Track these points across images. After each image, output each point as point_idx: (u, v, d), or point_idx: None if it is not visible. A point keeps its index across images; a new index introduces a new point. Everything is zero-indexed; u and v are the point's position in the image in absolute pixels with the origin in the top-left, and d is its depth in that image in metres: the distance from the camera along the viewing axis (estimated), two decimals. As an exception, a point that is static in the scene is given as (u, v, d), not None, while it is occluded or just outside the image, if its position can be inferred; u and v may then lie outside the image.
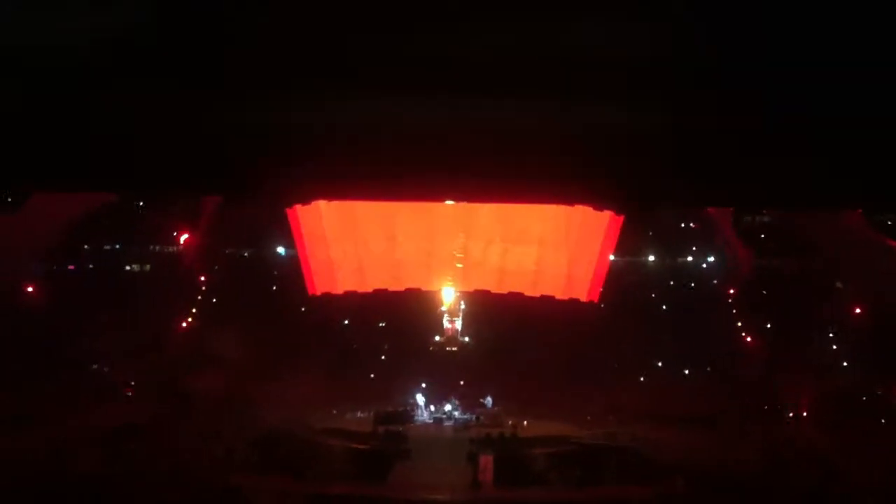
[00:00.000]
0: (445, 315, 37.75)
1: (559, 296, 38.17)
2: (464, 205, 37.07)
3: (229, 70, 5.87)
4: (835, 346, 34.96)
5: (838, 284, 36.65)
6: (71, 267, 39.75)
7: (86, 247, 39.47)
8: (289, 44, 5.84)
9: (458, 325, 37.72)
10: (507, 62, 5.65)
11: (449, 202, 35.61)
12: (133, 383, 35.06)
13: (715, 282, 38.40)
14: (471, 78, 5.92)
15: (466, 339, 37.80)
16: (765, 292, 37.36)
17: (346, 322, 40.74)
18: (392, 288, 38.99)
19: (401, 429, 31.76)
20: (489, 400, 35.43)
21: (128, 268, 41.18)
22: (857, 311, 34.34)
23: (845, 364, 35.19)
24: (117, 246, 40.87)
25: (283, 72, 5.97)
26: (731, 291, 37.56)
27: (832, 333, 35.31)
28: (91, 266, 40.09)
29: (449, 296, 37.86)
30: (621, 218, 36.80)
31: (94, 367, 36.14)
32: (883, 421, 32.17)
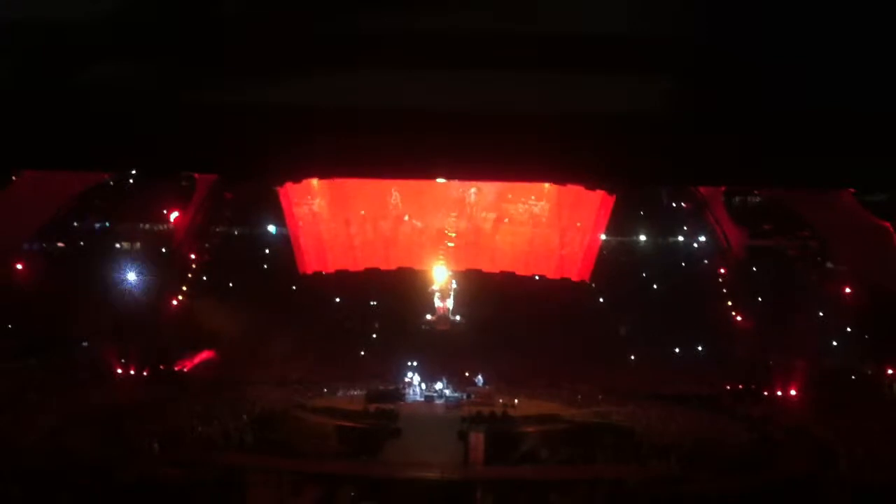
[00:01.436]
0: (437, 294, 37.79)
1: (550, 275, 38.31)
2: (456, 184, 37.11)
3: (219, 48, 5.80)
4: (825, 326, 34.95)
5: (829, 264, 36.73)
6: (61, 244, 39.55)
7: (76, 224, 39.18)
8: (278, 20, 5.77)
9: (450, 304, 37.79)
10: (499, 38, 5.58)
11: (440, 180, 35.66)
12: (124, 361, 34.85)
13: (706, 261, 38.38)
14: (462, 53, 5.85)
15: (458, 318, 37.87)
16: (756, 272, 37.38)
17: (338, 300, 40.71)
18: (383, 267, 39.04)
19: (392, 407, 31.78)
20: (480, 379, 35.48)
21: (118, 245, 40.96)
22: (848, 290, 34.38)
23: (835, 344, 35.26)
24: (107, 224, 40.64)
25: (273, 49, 5.89)
26: (723, 271, 37.56)
27: (823, 313, 35.31)
28: (81, 244, 39.86)
29: (440, 275, 37.87)
30: (613, 197, 36.87)
31: (84, 344, 35.95)
32: (873, 400, 32.24)
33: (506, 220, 37.96)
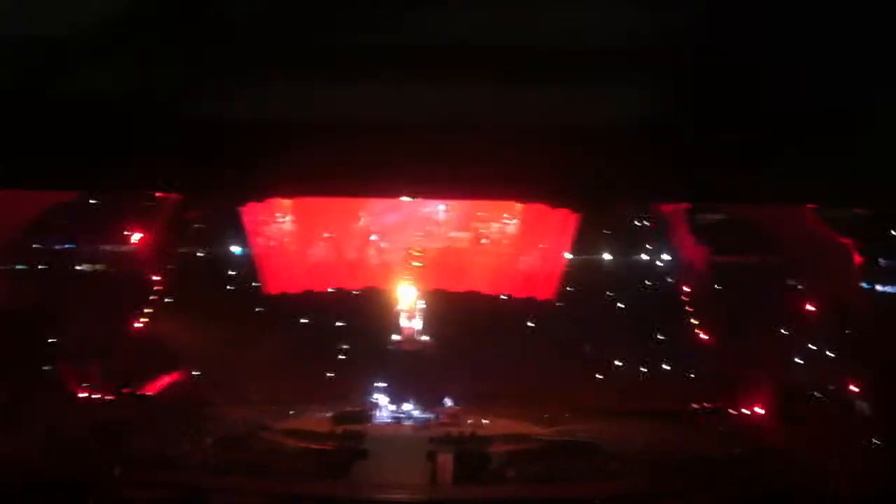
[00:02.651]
0: (404, 314, 37.76)
1: (517, 294, 38.48)
2: (422, 203, 37.22)
3: (183, 67, 5.75)
4: (788, 342, 35.21)
5: (791, 281, 37.05)
6: (21, 267, 38.89)
7: (37, 246, 38.57)
8: (245, 39, 5.72)
9: (417, 324, 37.78)
10: (464, 53, 5.58)
11: (405, 199, 35.74)
12: (87, 384, 34.35)
13: (670, 279, 38.65)
14: (428, 70, 5.84)
15: (425, 338, 37.84)
16: (719, 288, 37.65)
17: (304, 321, 40.41)
18: (350, 287, 38.98)
19: (359, 428, 31.63)
20: (448, 399, 35.34)
21: (80, 267, 40.41)
22: (810, 307, 34.71)
23: (798, 360, 35.54)
24: (69, 245, 40.06)
25: (236, 68, 5.85)
26: (686, 288, 37.83)
27: (785, 330, 35.59)
28: (42, 265, 39.24)
29: (407, 295, 37.86)
30: (577, 216, 37.14)
31: (46, 368, 35.35)
32: (836, 415, 32.51)
33: (472, 239, 38.15)
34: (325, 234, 38.12)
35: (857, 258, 30.89)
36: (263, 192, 33.35)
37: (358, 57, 5.63)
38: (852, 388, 33.40)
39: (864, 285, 32.21)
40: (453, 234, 38.12)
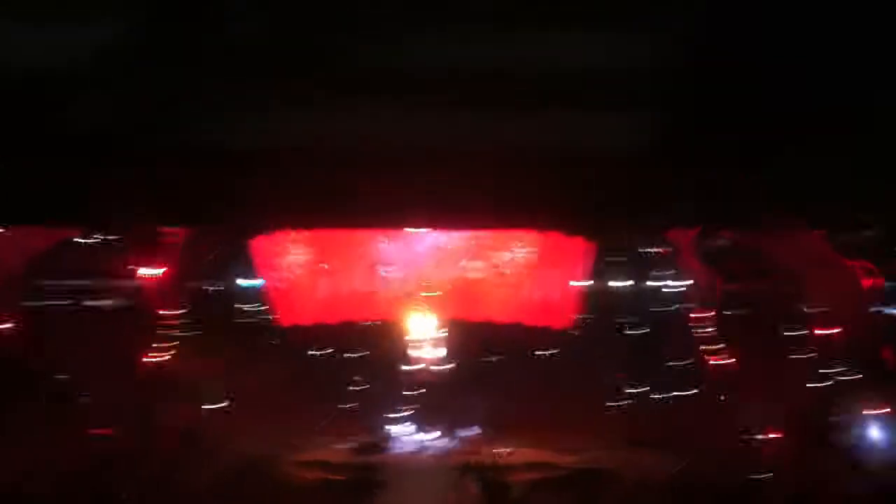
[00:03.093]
0: (418, 344, 37.70)
1: (532, 323, 38.54)
2: (435, 233, 37.40)
3: (188, 97, 5.82)
4: (803, 369, 35.33)
5: (802, 307, 37.23)
6: (28, 304, 38.65)
7: (44, 283, 38.40)
8: (253, 69, 5.80)
9: (435, 353, 37.71)
10: (476, 83, 5.67)
11: (416, 230, 35.93)
12: (96, 420, 34.04)
13: (685, 306, 38.71)
14: (436, 100, 5.92)
15: (442, 367, 37.78)
16: (734, 314, 37.78)
17: (318, 353, 40.26)
18: (362, 319, 38.94)
19: (378, 459, 31.48)
20: (468, 428, 35.18)
21: (88, 303, 40.24)
22: (823, 332, 34.86)
23: (811, 385, 35.63)
24: (77, 281, 39.89)
25: (244, 100, 5.92)
26: (701, 315, 37.93)
27: (800, 356, 35.74)
28: (50, 303, 39.03)
29: (422, 324, 37.83)
30: (591, 244, 37.35)
31: (56, 404, 35.05)
32: (850, 440, 32.58)
33: (487, 268, 38.25)
34: (337, 266, 38.12)
35: (866, 281, 31.14)
36: (272, 225, 33.45)
37: (365, 88, 5.72)
38: (868, 412, 33.57)
39: (873, 308, 32.50)
40: (466, 263, 38.23)
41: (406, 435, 34.49)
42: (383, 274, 38.56)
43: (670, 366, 37.15)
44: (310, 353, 39.48)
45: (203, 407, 35.28)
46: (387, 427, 35.16)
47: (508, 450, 32.47)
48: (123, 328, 36.84)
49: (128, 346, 36.46)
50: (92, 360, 34.53)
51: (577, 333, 38.76)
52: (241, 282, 40.55)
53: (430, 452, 33.47)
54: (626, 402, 37.39)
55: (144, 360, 36.83)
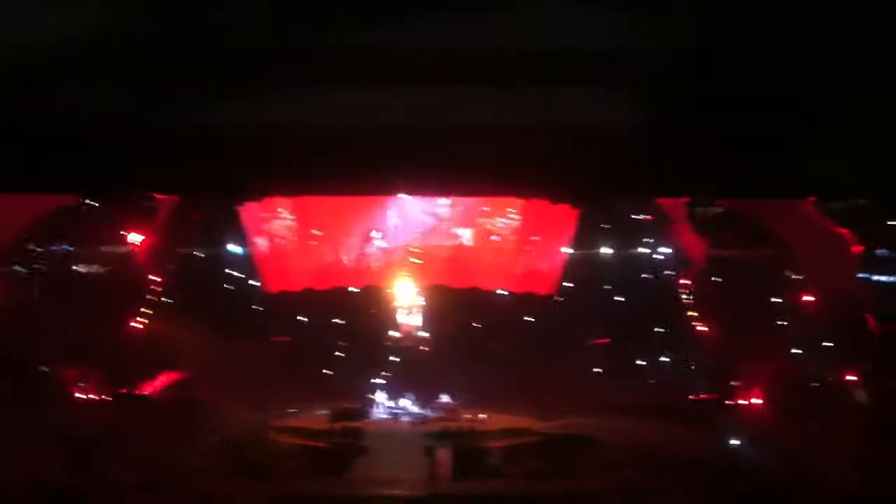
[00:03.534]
0: (403, 310, 37.75)
1: (516, 290, 38.52)
2: (420, 200, 37.32)
3: (178, 70, 5.78)
4: (787, 334, 35.19)
5: (790, 273, 37.01)
6: (19, 268, 38.84)
7: (34, 248, 38.57)
8: (242, 42, 5.75)
9: (416, 320, 37.78)
10: (463, 55, 5.61)
11: (405, 196, 35.85)
12: (84, 385, 34.31)
13: (671, 272, 38.51)
14: (425, 71, 5.85)
15: (423, 334, 37.87)
16: (718, 282, 37.60)
17: (303, 319, 40.39)
18: (349, 285, 39.01)
19: (358, 425, 31.62)
20: (446, 394, 35.27)
21: (77, 269, 40.44)
22: (809, 298, 34.67)
23: (797, 351, 35.51)
24: (67, 247, 40.05)
25: (235, 70, 5.88)
26: (685, 282, 37.76)
27: (785, 321, 35.58)
28: (39, 268, 39.22)
29: (406, 291, 37.86)
30: (577, 211, 37.20)
31: (44, 370, 35.33)
32: (836, 406, 32.50)
33: (471, 235, 38.20)
34: (325, 233, 38.15)
35: (855, 248, 30.91)
36: (261, 191, 33.39)
37: (355, 60, 5.67)
38: (850, 377, 33.48)
39: (862, 275, 32.27)
40: (451, 230, 38.17)
41: (386, 401, 34.56)
42: (370, 241, 38.57)
43: (654, 332, 37.01)
44: (293, 319, 39.71)
45: (186, 374, 35.44)
46: (367, 393, 35.21)
47: (485, 416, 32.53)
48: (111, 294, 36.99)
49: (115, 312, 36.59)
50: (79, 325, 34.71)
51: (561, 300, 38.74)
52: (228, 248, 40.69)
53: (409, 419, 33.55)
54: (607, 368, 37.40)
55: (131, 325, 37.01)
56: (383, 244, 38.31)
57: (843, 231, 30.82)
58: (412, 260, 38.06)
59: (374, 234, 38.44)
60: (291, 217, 38.46)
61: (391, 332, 38.19)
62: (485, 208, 38.08)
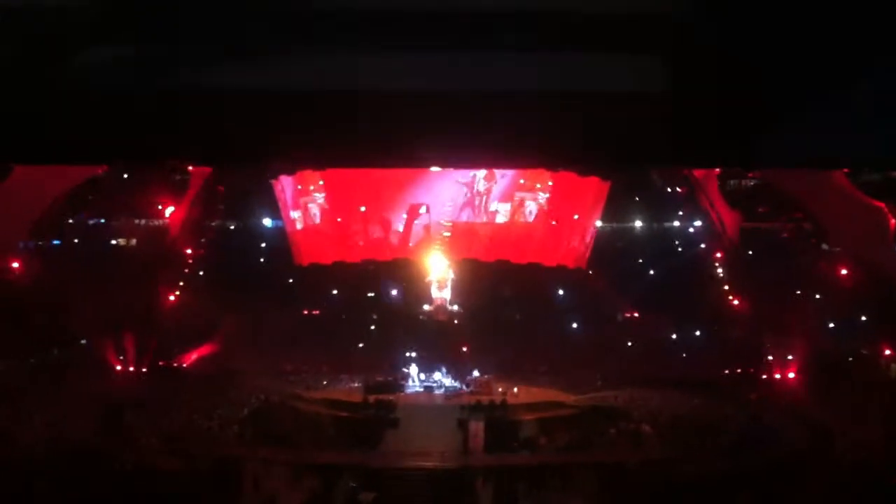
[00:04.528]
0: (434, 284, 37.77)
1: (547, 263, 38.45)
2: (450, 173, 37.23)
3: (210, 35, 5.74)
4: (822, 308, 34.89)
5: (824, 246, 36.67)
6: (56, 242, 39.34)
7: (70, 221, 39.04)
8: (274, 5, 5.71)
9: (448, 293, 37.76)
10: (490, 18, 5.52)
11: (435, 169, 35.75)
12: (122, 357, 34.83)
13: (702, 245, 38.31)
14: (455, 36, 5.79)
15: (455, 307, 37.88)
16: (751, 255, 37.33)
17: (335, 292, 40.61)
18: (380, 258, 39.11)
19: (391, 398, 31.70)
20: (478, 367, 35.29)
21: (113, 242, 40.93)
22: (843, 272, 34.31)
23: (832, 325, 35.23)
24: (102, 220, 40.53)
25: (266, 35, 5.84)
26: (718, 255, 37.54)
27: (819, 295, 35.27)
28: (76, 241, 39.72)
29: (438, 265, 37.85)
30: (607, 184, 37.01)
31: (83, 342, 35.86)
32: (870, 381, 32.22)
33: (502, 209, 38.14)
34: (356, 203, 38.22)
35: (893, 221, 30.42)
36: (294, 163, 33.37)
37: (383, 25, 5.59)
38: (887, 353, 33.19)
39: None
40: (482, 204, 38.14)
41: (418, 374, 34.61)
42: (403, 215, 38.63)
43: (686, 305, 36.77)
44: (326, 292, 39.98)
45: (219, 345, 35.79)
46: (399, 367, 35.30)
47: (517, 389, 32.54)
48: (145, 267, 37.38)
49: (150, 284, 36.99)
50: (115, 298, 35.09)
51: (591, 274, 38.68)
52: (261, 221, 40.98)
53: (440, 392, 33.59)
54: (638, 342, 37.32)
55: (167, 298, 37.41)
56: (416, 217, 38.30)
57: (880, 204, 30.31)
58: (443, 234, 38.06)
59: (406, 209, 38.43)
60: (323, 190, 38.56)
61: (424, 306, 38.17)
62: (521, 181, 37.94)
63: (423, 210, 38.40)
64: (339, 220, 38.72)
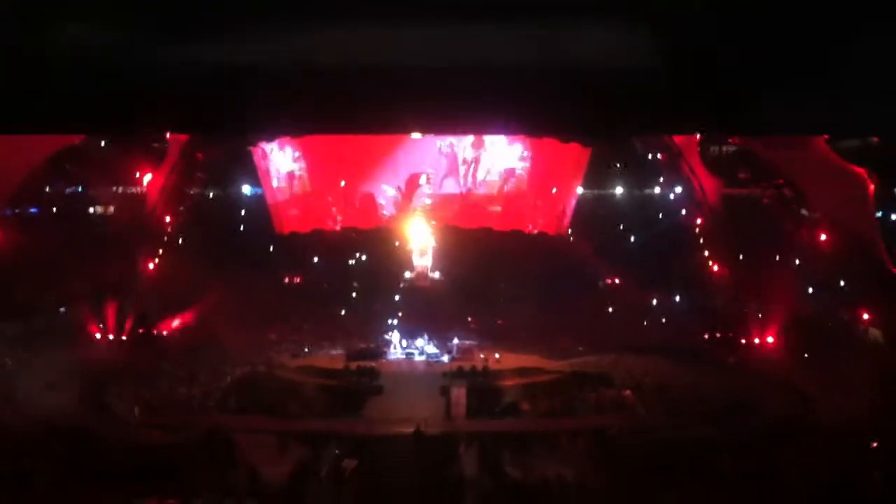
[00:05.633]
0: (415, 251, 37.70)
1: (528, 229, 38.47)
2: (431, 140, 37.05)
3: (187, 4, 5.63)
4: (802, 273, 35.05)
5: (805, 212, 36.75)
6: (33, 210, 38.84)
7: (47, 189, 38.52)
8: None
9: (429, 260, 37.74)
10: None
11: (415, 136, 35.55)
12: (102, 326, 34.56)
13: (683, 212, 38.28)
14: (435, 7, 5.70)
15: (437, 274, 37.87)
16: (732, 221, 37.36)
17: (316, 260, 40.43)
18: (361, 226, 38.99)
19: (373, 365, 31.77)
20: (461, 334, 35.33)
21: (91, 210, 40.48)
22: (823, 237, 34.43)
23: (811, 290, 35.41)
24: (79, 188, 40.03)
25: (244, 4, 5.73)
26: (699, 221, 37.55)
27: (799, 260, 35.41)
28: (54, 209, 39.24)
29: (419, 232, 37.75)
30: (588, 150, 36.91)
31: (62, 310, 35.56)
32: (849, 345, 32.46)
33: (482, 175, 38.02)
34: (336, 171, 38.00)
35: (872, 187, 30.52)
36: (273, 131, 33.05)
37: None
38: (865, 317, 33.41)
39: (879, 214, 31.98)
40: (463, 170, 38.06)
41: (400, 342, 34.60)
42: (384, 187, 38.52)
43: (667, 271, 36.87)
44: (307, 260, 39.81)
45: (199, 314, 35.60)
46: (382, 334, 35.28)
47: (498, 355, 32.62)
48: (123, 235, 36.99)
49: (129, 253, 36.60)
50: (94, 267, 34.77)
51: (573, 240, 38.70)
52: (240, 189, 40.63)
53: (422, 359, 33.61)
54: (619, 308, 37.46)
55: (146, 266, 37.06)
56: (398, 185, 38.17)
57: (860, 170, 30.37)
58: (424, 200, 37.91)
59: (383, 174, 38.26)
60: (303, 157, 38.29)
61: (406, 273, 38.14)
62: (490, 150, 37.82)
63: (422, 180, 38.15)
64: (317, 187, 38.52)
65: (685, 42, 6.04)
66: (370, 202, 38.79)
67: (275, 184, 38.15)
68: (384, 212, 38.69)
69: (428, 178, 38.24)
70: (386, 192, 38.68)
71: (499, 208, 38.39)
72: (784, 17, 5.67)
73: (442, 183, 38.38)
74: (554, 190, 38.23)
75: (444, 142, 37.62)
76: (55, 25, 5.62)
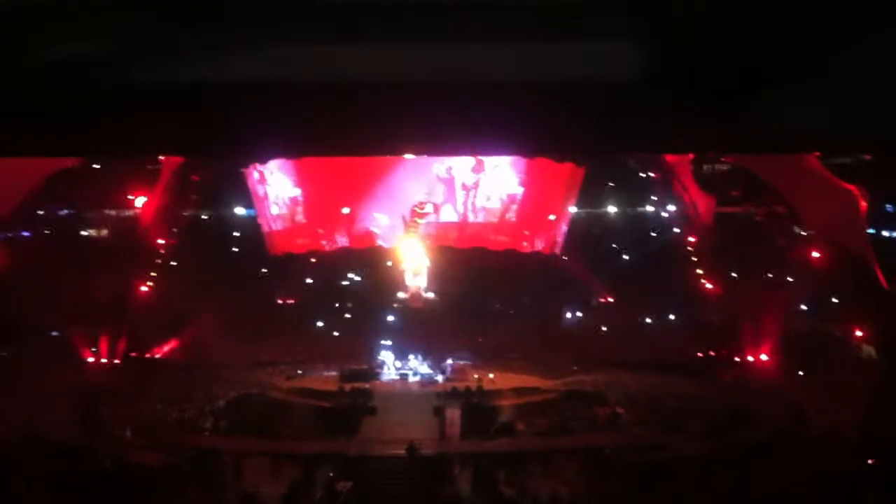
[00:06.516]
0: (409, 271, 37.66)
1: (522, 249, 38.49)
2: (426, 161, 37.06)
3: (180, 25, 5.60)
4: (794, 290, 35.10)
5: (797, 229, 36.83)
6: (26, 233, 38.74)
7: (41, 212, 38.46)
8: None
9: (423, 281, 37.69)
10: (464, 5, 5.42)
11: (409, 157, 35.54)
12: (94, 349, 34.43)
13: (675, 230, 38.37)
14: (426, 24, 5.69)
15: (430, 295, 37.81)
16: (725, 238, 37.44)
17: (310, 281, 40.39)
18: (354, 246, 38.94)
19: (367, 386, 31.66)
20: (454, 354, 35.27)
21: (84, 233, 40.43)
22: (816, 254, 34.48)
23: (804, 307, 35.45)
24: (73, 211, 40.01)
25: (238, 24, 5.70)
26: (692, 239, 37.61)
27: (791, 278, 35.47)
28: (46, 232, 39.16)
29: (412, 253, 37.72)
30: (582, 170, 37.00)
31: (54, 334, 35.41)
32: (842, 361, 32.47)
33: (477, 195, 38.03)
34: (330, 192, 37.99)
35: (864, 204, 30.61)
36: (265, 153, 33.06)
37: (354, 15, 5.47)
38: (858, 333, 33.43)
39: (871, 231, 32.04)
40: (457, 191, 38.02)
41: (393, 362, 34.52)
42: (377, 200, 38.44)
43: (660, 289, 36.89)
44: (300, 281, 39.78)
45: (193, 336, 35.49)
46: (375, 355, 35.20)
47: (493, 375, 32.56)
48: (117, 257, 36.89)
49: (122, 275, 36.51)
50: (87, 289, 34.64)
51: (567, 259, 38.73)
52: (234, 210, 40.62)
53: (416, 379, 33.54)
54: (613, 326, 37.47)
55: (139, 288, 36.97)
56: (388, 205, 38.10)
57: (852, 187, 30.47)
58: (417, 221, 37.87)
59: (377, 196, 38.19)
60: (296, 178, 38.30)
61: (399, 294, 38.11)
62: (484, 170, 37.81)
63: (429, 209, 38.02)
64: (311, 208, 38.51)
65: (676, 60, 6.04)
66: (365, 232, 38.69)
67: (269, 205, 38.14)
68: (380, 242, 38.55)
69: (436, 208, 38.12)
70: (380, 221, 38.56)
71: (505, 238, 38.24)
72: (782, 34, 5.66)
73: (440, 210, 38.33)
74: (551, 216, 38.28)
75: (443, 166, 37.61)
76: (47, 47, 5.60)
